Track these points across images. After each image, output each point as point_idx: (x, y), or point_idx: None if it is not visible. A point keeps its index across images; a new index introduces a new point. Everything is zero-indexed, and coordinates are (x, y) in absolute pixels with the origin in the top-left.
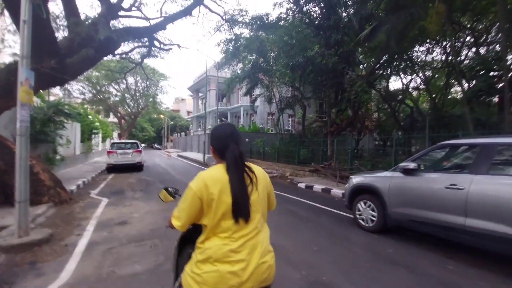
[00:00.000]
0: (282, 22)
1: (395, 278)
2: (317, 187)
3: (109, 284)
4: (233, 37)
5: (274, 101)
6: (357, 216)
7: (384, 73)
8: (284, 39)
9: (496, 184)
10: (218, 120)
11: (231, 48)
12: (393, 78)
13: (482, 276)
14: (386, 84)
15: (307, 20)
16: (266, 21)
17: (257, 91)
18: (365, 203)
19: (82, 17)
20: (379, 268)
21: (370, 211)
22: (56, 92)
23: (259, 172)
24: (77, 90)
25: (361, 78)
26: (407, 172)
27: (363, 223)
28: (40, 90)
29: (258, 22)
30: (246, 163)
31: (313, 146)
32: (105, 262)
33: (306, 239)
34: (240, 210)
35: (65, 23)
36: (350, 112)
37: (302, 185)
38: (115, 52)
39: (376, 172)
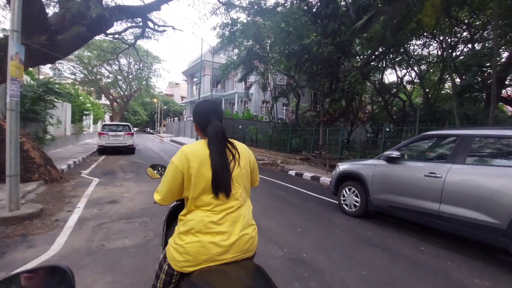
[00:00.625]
0: (280, 8)
1: (371, 257)
2: (307, 175)
3: (99, 256)
4: (230, 22)
5: (268, 88)
6: (342, 201)
7: (379, 65)
8: (281, 25)
9: (471, 174)
10: None
11: (227, 33)
12: (388, 70)
13: (452, 257)
14: (380, 76)
15: (305, 7)
16: (264, 7)
17: (252, 78)
18: (349, 189)
19: None
20: (358, 248)
21: (353, 197)
22: (46, 71)
23: (242, 148)
24: (67, 70)
25: (356, 69)
26: (390, 160)
27: (346, 208)
28: (30, 68)
29: (256, 7)
30: (229, 139)
31: (305, 135)
32: (95, 237)
33: (291, 222)
34: (220, 184)
35: None
36: (344, 103)
37: (292, 173)
38: (108, 32)
39: (362, 160)
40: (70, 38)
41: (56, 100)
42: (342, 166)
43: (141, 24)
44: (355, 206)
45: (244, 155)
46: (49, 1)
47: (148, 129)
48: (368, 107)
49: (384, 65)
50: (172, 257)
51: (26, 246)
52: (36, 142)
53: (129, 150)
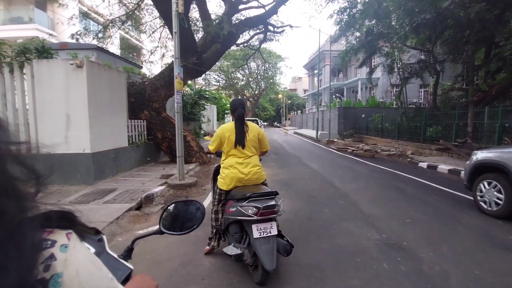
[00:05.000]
0: None
1: (498, 259)
2: (443, 168)
3: None
4: (348, 5)
5: (395, 69)
6: (478, 197)
7: None
8: None
9: None
10: (334, 96)
11: (346, 17)
12: None
13: None
14: None
15: None
16: None
17: (378, 62)
18: (489, 183)
19: (212, 16)
20: (482, 249)
21: (495, 193)
22: (200, 82)
23: (253, 126)
24: (213, 79)
25: None
26: None
27: (484, 206)
28: (188, 81)
29: None
30: (245, 121)
31: (447, 121)
32: None
33: (401, 212)
34: (239, 141)
35: (201, 25)
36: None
37: (423, 165)
38: (237, 42)
39: (507, 147)
40: (211, 55)
41: (206, 103)
42: (480, 154)
43: (263, 29)
44: (496, 204)
45: (253, 130)
46: (198, 28)
47: (276, 123)
48: None
49: None
50: (220, 182)
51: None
52: (195, 136)
53: None
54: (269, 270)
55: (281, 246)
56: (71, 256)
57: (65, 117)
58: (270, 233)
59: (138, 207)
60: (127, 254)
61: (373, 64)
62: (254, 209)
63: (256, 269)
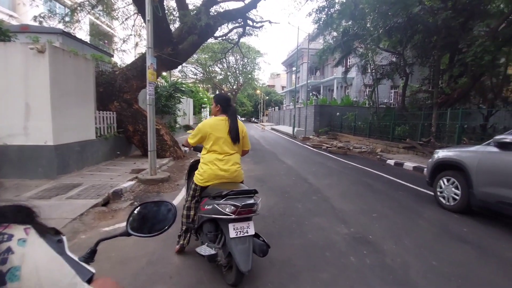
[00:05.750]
0: None
1: (454, 251)
2: (408, 165)
3: None
4: (326, 4)
5: (368, 70)
6: (438, 193)
7: None
8: None
9: None
10: (311, 94)
11: (324, 16)
12: None
13: None
14: None
15: None
16: None
17: (353, 62)
18: (448, 180)
19: (190, 7)
20: (440, 241)
21: (452, 189)
22: (177, 74)
23: (240, 123)
24: (190, 72)
25: (488, 33)
26: (503, 146)
27: (443, 201)
28: (163, 73)
29: None
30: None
31: (413, 121)
32: None
33: (369, 207)
34: (234, 137)
35: (177, 15)
36: (467, 79)
37: (391, 162)
38: (216, 35)
39: (465, 147)
40: (187, 46)
41: (181, 97)
42: (441, 153)
43: (242, 23)
44: (454, 199)
45: (240, 128)
46: (175, 18)
47: (253, 119)
48: None
49: None
50: (196, 178)
51: (158, 199)
52: (169, 130)
53: None
54: (244, 272)
55: (257, 246)
56: (30, 250)
57: (24, 106)
58: (247, 232)
59: (105, 203)
60: (89, 256)
61: (348, 64)
62: (232, 207)
63: (230, 270)
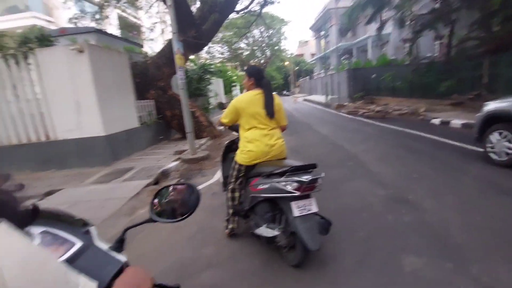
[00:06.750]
0: None
1: (500, 205)
2: (456, 122)
3: None
4: None
5: (407, 22)
6: (489, 149)
7: None
8: None
9: None
10: (342, 58)
11: None
12: None
13: None
14: None
15: None
16: None
17: (388, 15)
18: (500, 134)
19: None
20: (486, 196)
21: (505, 143)
22: (204, 56)
23: (276, 96)
24: (216, 52)
25: None
26: None
27: (494, 156)
28: (191, 56)
29: None
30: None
31: (461, 74)
32: None
33: (409, 169)
34: (269, 111)
35: None
36: None
37: (436, 121)
38: (236, 9)
39: None
40: (210, 25)
41: (211, 78)
42: (492, 105)
43: None
44: (507, 154)
45: (276, 101)
46: (193, 1)
47: (284, 92)
48: None
49: None
50: (241, 158)
51: (200, 176)
52: (203, 111)
53: None
54: (313, 250)
55: (319, 224)
56: None
57: (74, 104)
58: (311, 210)
59: (156, 182)
60: (119, 245)
61: (382, 18)
62: (296, 184)
63: (291, 250)
